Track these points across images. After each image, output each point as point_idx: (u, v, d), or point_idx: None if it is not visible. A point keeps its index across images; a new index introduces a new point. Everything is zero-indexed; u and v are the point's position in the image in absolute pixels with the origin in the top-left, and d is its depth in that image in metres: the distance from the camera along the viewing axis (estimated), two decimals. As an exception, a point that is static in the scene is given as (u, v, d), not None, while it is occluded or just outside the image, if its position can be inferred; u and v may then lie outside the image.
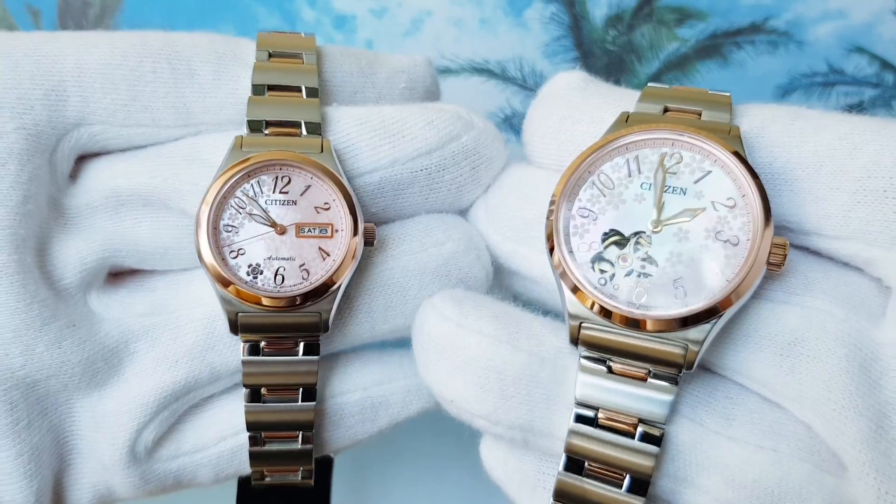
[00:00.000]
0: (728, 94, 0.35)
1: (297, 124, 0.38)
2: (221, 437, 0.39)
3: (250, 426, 0.38)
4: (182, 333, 0.38)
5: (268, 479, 0.40)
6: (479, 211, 0.42)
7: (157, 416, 0.37)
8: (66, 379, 0.36)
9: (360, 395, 0.40)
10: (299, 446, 0.39)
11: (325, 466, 0.47)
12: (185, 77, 0.38)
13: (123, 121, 0.38)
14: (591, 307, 0.33)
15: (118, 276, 0.40)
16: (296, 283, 0.36)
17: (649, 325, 0.32)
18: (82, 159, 0.39)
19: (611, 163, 0.35)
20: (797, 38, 0.60)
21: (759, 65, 0.62)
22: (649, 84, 0.37)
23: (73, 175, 0.39)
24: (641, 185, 0.34)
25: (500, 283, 0.43)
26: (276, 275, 0.36)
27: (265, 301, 0.35)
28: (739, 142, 0.33)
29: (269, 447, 0.38)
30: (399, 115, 0.39)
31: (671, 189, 0.33)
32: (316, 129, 0.38)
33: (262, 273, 0.36)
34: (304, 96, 0.39)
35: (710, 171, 0.33)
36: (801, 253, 0.34)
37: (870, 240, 0.32)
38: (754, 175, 0.32)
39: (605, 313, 0.33)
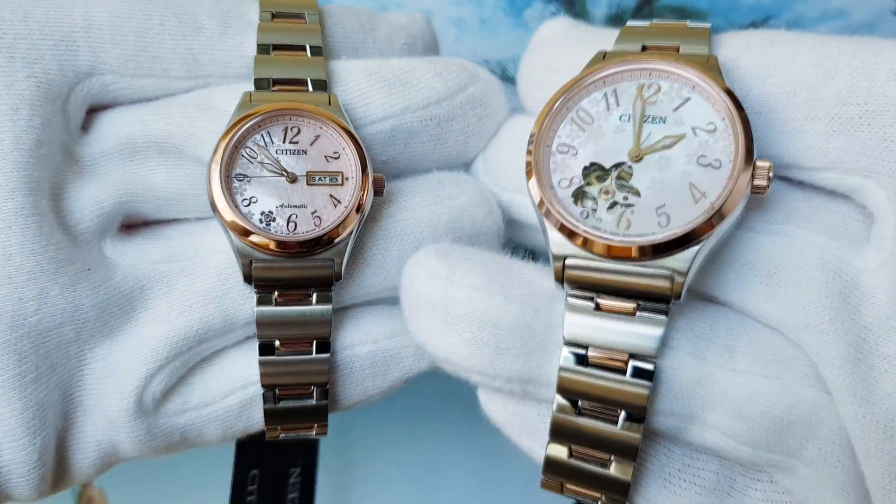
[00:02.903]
0: (708, 25, 0.35)
1: (303, 82, 0.39)
2: (230, 390, 0.38)
3: (266, 384, 0.37)
4: (197, 279, 0.37)
5: (281, 437, 0.39)
6: (479, 164, 0.42)
7: (168, 365, 0.37)
8: (79, 325, 0.35)
9: (370, 348, 0.39)
10: (314, 402, 0.38)
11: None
12: (193, 31, 0.38)
13: (134, 71, 0.38)
14: (574, 239, 0.32)
15: (133, 227, 0.40)
16: (308, 230, 0.36)
17: (633, 252, 0.31)
18: (94, 112, 0.39)
19: (588, 98, 0.34)
20: (797, 38, 0.61)
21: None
22: (628, 22, 0.37)
23: (86, 127, 0.39)
24: (620, 118, 0.34)
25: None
26: (288, 222, 0.36)
27: (278, 245, 0.35)
28: (718, 71, 0.33)
29: (283, 405, 0.38)
30: (407, 66, 0.40)
31: (651, 119, 0.33)
32: (322, 85, 0.39)
33: (274, 220, 0.36)
34: (309, 55, 0.40)
35: (688, 98, 0.33)
36: (784, 183, 0.34)
37: (848, 168, 0.31)
38: (733, 98, 0.32)
39: (589, 244, 0.32)
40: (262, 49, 0.39)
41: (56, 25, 0.37)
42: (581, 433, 0.33)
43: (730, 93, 0.32)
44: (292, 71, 0.39)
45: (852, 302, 0.31)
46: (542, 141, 0.34)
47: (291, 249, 0.35)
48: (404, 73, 0.39)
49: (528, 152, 0.34)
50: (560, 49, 0.39)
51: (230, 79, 0.40)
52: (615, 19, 0.62)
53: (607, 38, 0.37)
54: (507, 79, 0.42)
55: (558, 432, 0.33)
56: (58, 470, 0.37)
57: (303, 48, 0.40)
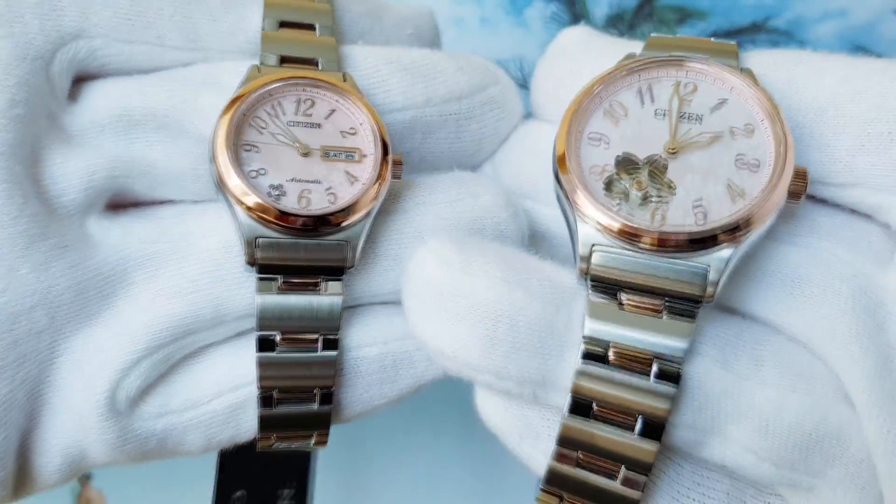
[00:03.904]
0: (735, 42, 0.34)
1: (313, 62, 0.36)
2: (218, 392, 0.34)
3: (264, 385, 0.33)
4: (188, 263, 0.33)
5: (275, 446, 0.35)
6: (487, 169, 0.40)
7: (147, 358, 0.32)
8: (52, 310, 0.31)
9: (379, 350, 0.35)
10: (317, 407, 0.34)
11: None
12: None
13: (126, 36, 0.35)
14: (604, 228, 0.30)
15: (121, 206, 0.36)
16: (322, 207, 0.32)
17: (667, 243, 0.29)
18: (84, 81, 0.35)
19: (622, 91, 0.33)
20: (798, 37, 0.61)
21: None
22: (653, 34, 0.36)
23: (75, 97, 0.35)
24: (656, 112, 0.32)
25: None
26: (300, 197, 0.32)
27: (289, 220, 0.31)
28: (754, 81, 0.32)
29: (281, 409, 0.34)
30: (429, 58, 0.37)
31: (686, 116, 0.32)
32: (333, 67, 0.36)
33: (284, 195, 0.32)
34: (318, 35, 0.37)
35: (725, 99, 0.32)
36: (808, 199, 0.33)
37: (875, 185, 0.31)
38: (772, 101, 0.31)
39: (621, 233, 0.30)
40: (270, 25, 0.36)
41: None
42: (592, 440, 0.30)
43: (769, 97, 0.31)
44: (303, 49, 0.36)
45: (877, 319, 0.29)
46: (573, 129, 0.32)
47: (303, 225, 0.32)
48: (426, 64, 0.37)
49: (558, 139, 0.32)
50: (581, 57, 0.38)
51: (232, 54, 0.36)
52: (615, 19, 0.62)
53: (629, 48, 0.36)
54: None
55: (568, 438, 0.30)
56: (19, 475, 0.32)
57: (312, 27, 0.37)
